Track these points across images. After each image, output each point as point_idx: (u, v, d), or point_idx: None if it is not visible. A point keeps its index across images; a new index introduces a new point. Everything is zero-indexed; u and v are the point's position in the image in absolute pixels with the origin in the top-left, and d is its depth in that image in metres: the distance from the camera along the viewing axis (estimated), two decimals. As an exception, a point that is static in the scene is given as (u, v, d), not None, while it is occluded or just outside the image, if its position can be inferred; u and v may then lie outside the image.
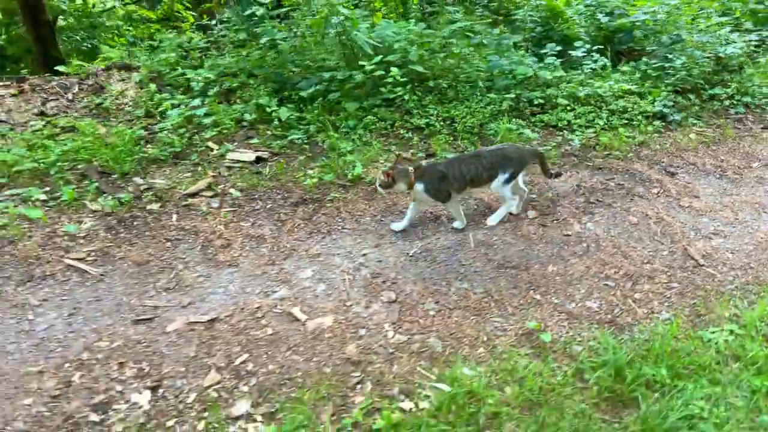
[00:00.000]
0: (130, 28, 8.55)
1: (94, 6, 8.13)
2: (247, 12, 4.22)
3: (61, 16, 7.89)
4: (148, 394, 2.02)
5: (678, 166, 3.86)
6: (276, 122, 3.82)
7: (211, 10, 6.16)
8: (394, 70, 3.80)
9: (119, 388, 2.05)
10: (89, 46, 7.99)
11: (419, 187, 2.92)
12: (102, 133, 3.51)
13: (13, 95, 3.99)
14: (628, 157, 3.89)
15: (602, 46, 4.98)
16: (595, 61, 4.73)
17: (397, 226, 3.08)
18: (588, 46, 4.91)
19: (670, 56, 4.74)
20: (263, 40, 4.13)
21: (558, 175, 3.41)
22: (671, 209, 3.38)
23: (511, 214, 3.21)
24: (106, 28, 8.33)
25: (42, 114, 3.82)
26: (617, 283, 2.71)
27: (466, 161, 3.05)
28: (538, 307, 2.52)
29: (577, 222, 3.20)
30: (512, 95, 4.16)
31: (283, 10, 4.65)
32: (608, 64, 4.70)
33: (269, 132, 3.82)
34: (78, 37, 7.92)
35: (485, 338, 2.32)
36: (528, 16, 5.17)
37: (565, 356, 2.22)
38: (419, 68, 4.02)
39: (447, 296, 2.57)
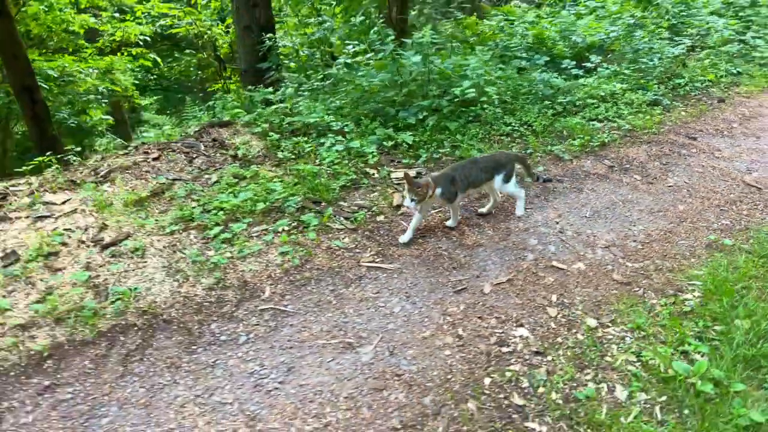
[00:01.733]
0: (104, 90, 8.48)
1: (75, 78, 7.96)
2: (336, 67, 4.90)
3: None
4: (521, 330, 2.67)
5: (693, 133, 5.23)
6: (404, 146, 4.52)
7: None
8: (489, 90, 4.73)
9: (499, 331, 2.67)
10: (75, 123, 7.80)
11: (438, 191, 3.31)
12: (279, 175, 3.96)
13: (155, 159, 4.22)
14: (661, 132, 5.18)
15: (580, 60, 6.37)
16: (592, 71, 6.07)
17: (404, 238, 3.40)
18: (574, 62, 6.26)
19: (640, 60, 6.24)
20: (365, 84, 4.82)
21: (548, 180, 4.11)
22: (714, 160, 4.67)
23: (482, 215, 3.76)
24: (84, 103, 8.14)
25: (199, 169, 4.13)
26: (728, 207, 3.85)
27: (466, 167, 3.51)
28: (700, 231, 3.55)
29: (668, 178, 4.33)
30: (560, 100, 5.29)
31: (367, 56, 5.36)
32: (610, 71, 6.07)
33: (400, 154, 4.50)
34: (63, 115, 7.69)
35: (678, 254, 3.30)
36: (523, 42, 6.42)
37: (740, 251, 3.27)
38: (492, 89, 4.99)
39: (636, 235, 3.51)
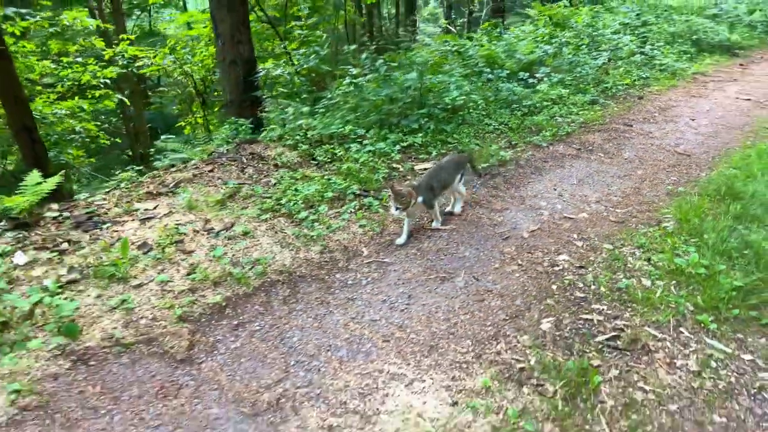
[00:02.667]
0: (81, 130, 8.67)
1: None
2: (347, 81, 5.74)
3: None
4: (562, 256, 3.63)
5: (629, 122, 6.56)
6: (416, 146, 5.43)
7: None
8: (474, 97, 5.78)
9: (547, 258, 3.61)
10: (62, 161, 7.95)
11: (419, 199, 3.71)
12: (321, 175, 4.72)
13: (210, 171, 4.81)
14: (605, 123, 6.47)
15: (531, 72, 7.65)
16: (541, 81, 7.34)
17: (400, 240, 3.80)
18: (527, 73, 7.52)
19: (574, 70, 7.61)
20: (372, 98, 5.71)
21: (481, 174, 4.76)
22: (650, 139, 5.98)
23: (451, 214, 4.22)
24: (65, 143, 8.26)
25: (252, 176, 4.78)
26: (672, 169, 5.09)
27: (437, 173, 3.93)
28: (658, 185, 4.74)
29: (622, 153, 5.55)
30: (524, 104, 6.45)
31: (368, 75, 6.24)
32: (556, 80, 7.35)
33: (414, 152, 5.40)
34: (54, 153, 7.83)
35: (648, 201, 4.45)
36: (478, 61, 7.61)
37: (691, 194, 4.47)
38: (476, 96, 6.05)
39: (614, 192, 4.63)
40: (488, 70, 7.13)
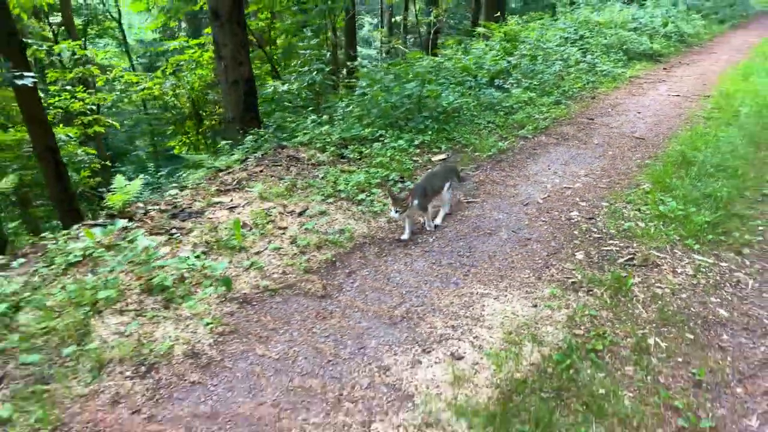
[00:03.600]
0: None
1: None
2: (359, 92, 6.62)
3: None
4: (574, 212, 4.65)
5: (591, 116, 7.81)
6: (426, 143, 6.37)
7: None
8: (468, 100, 6.81)
9: (563, 215, 4.62)
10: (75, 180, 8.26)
11: (415, 203, 4.12)
12: (355, 169, 5.57)
13: (260, 171, 5.53)
14: (572, 118, 7.68)
15: (503, 79, 8.84)
16: (513, 86, 8.52)
17: (404, 236, 4.25)
18: (500, 80, 8.69)
19: (537, 77, 8.86)
20: (383, 104, 6.61)
21: (464, 179, 5.19)
22: (611, 129, 7.21)
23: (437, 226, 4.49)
24: (77, 164, 8.53)
25: (299, 173, 5.54)
26: (635, 149, 6.29)
27: (430, 179, 4.41)
28: (629, 160, 5.91)
29: (593, 140, 6.73)
30: (503, 105, 7.57)
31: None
32: (525, 86, 8.52)
33: (427, 147, 6.34)
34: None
35: (624, 171, 5.62)
36: (455, 72, 8.71)
37: (655, 164, 5.66)
38: (468, 100, 7.10)
39: (596, 169, 5.76)
40: (469, 78, 8.23)
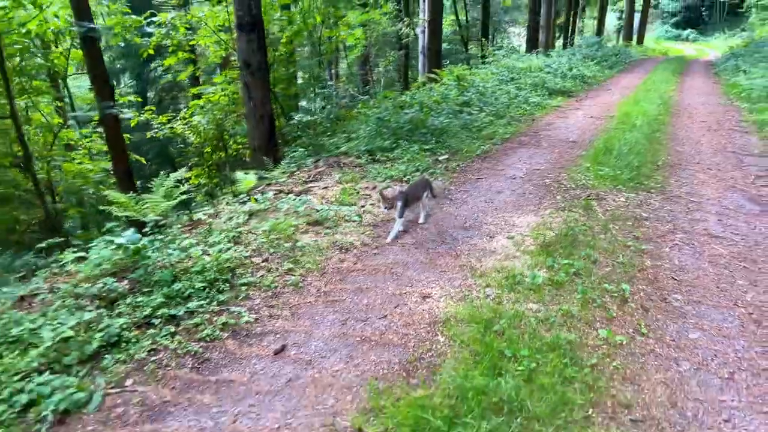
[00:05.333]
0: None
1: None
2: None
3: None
4: (550, 180, 7.19)
5: (537, 131, 10.59)
6: (431, 149, 8.79)
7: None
8: (455, 121, 9.35)
9: (546, 180, 7.14)
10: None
11: (398, 203, 5.20)
12: (388, 166, 7.86)
13: (320, 172, 7.64)
14: (524, 132, 10.43)
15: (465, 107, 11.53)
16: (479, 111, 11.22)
17: (387, 241, 5.19)
18: (469, 107, 11.39)
19: (490, 106, 11.66)
20: (403, 120, 8.99)
21: (436, 196, 6.26)
22: (553, 138, 10.00)
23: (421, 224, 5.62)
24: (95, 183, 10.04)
25: (350, 171, 7.71)
26: (573, 147, 9.07)
27: (412, 188, 5.53)
28: (586, 134, 8.65)
29: (543, 143, 9.45)
30: (476, 125, 10.20)
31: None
32: (486, 113, 11.21)
33: (435, 151, 8.74)
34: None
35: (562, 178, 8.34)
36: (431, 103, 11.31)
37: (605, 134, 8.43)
38: (456, 121, 9.65)
39: (560, 157, 8.44)
40: (445, 106, 10.86)
